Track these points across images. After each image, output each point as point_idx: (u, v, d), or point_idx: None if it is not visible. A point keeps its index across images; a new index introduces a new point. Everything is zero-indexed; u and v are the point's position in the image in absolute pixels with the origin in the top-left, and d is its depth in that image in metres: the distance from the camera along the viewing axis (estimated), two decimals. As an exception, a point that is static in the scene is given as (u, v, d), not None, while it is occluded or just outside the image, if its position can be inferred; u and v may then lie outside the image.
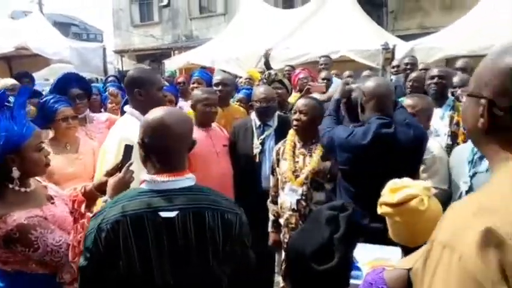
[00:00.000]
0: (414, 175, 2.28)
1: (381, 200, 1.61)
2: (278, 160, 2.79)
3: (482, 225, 0.75)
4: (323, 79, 4.86)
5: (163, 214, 1.36)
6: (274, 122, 3.19)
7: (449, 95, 3.34)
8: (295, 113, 2.66)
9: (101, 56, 7.70)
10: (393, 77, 5.38)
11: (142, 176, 1.47)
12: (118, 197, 1.46)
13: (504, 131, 0.87)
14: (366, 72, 5.28)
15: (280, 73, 5.36)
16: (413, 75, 4.05)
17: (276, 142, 2.98)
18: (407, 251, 1.55)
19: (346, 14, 8.73)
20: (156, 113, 1.49)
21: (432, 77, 3.46)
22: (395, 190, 1.59)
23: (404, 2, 15.56)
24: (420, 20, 15.00)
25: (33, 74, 6.10)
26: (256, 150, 3.10)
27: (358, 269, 1.92)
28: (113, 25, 19.93)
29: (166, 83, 3.92)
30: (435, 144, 2.65)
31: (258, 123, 3.19)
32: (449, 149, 2.81)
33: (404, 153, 2.24)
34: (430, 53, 6.49)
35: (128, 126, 2.25)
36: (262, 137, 3.13)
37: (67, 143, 2.85)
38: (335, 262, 1.41)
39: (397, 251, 1.70)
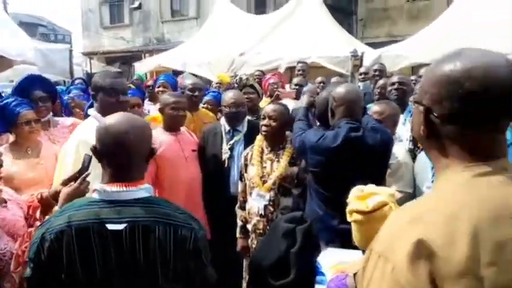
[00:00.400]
0: (382, 180, 2.36)
1: (352, 207, 1.61)
2: (246, 165, 2.79)
3: (414, 236, 0.76)
4: (296, 85, 4.88)
5: (110, 226, 1.30)
6: (243, 127, 3.19)
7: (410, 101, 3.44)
8: (263, 118, 2.66)
9: (67, 58, 7.50)
10: (360, 84, 5.48)
11: (94, 185, 1.41)
12: (66, 206, 1.40)
13: (442, 138, 0.88)
14: (334, 79, 5.35)
15: (251, 78, 5.37)
16: (381, 82, 4.13)
17: (245, 147, 2.97)
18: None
19: (317, 21, 8.87)
20: (111, 119, 1.42)
21: (393, 83, 3.56)
22: (363, 198, 1.60)
23: (372, 10, 15.97)
24: (388, 28, 15.44)
25: (-4, 75, 5.88)
26: (225, 156, 3.09)
27: (322, 274, 1.95)
28: (82, 26, 19.48)
29: (133, 86, 3.87)
30: (400, 150, 2.72)
31: (228, 128, 3.17)
32: (411, 153, 2.88)
33: (372, 157, 2.30)
34: (396, 60, 6.69)
35: (89, 130, 2.21)
36: (231, 142, 3.11)
37: (28, 148, 2.74)
38: (290, 278, 1.41)
39: (359, 253, 1.72)
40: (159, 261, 1.33)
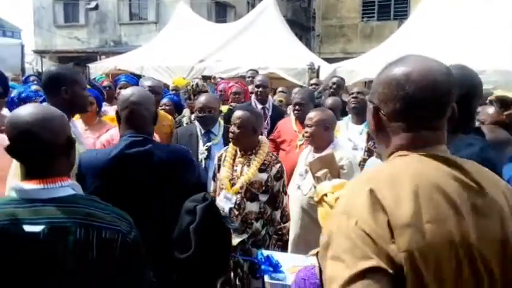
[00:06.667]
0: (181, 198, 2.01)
1: (336, 196, 1.71)
2: (219, 166, 2.78)
3: (367, 187, 0.89)
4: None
5: (27, 228, 1.18)
6: (219, 132, 3.23)
7: None
8: (231, 125, 2.68)
9: (19, 53, 7.22)
10: None
11: (11, 183, 1.32)
12: None
13: (387, 132, 1.01)
14: (296, 90, 5.49)
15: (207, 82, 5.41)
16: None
17: (224, 150, 3.00)
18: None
19: (276, 33, 9.10)
20: (16, 111, 1.30)
21: (352, 93, 3.77)
22: (339, 186, 1.73)
23: (329, 27, 16.59)
24: (343, 45, 16.09)
25: None
26: (201, 156, 3.11)
27: (282, 272, 2.06)
28: (33, 23, 18.70)
29: (87, 86, 3.78)
30: (346, 152, 2.87)
31: (203, 130, 3.22)
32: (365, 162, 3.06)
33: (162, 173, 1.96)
34: (351, 75, 7.01)
35: None
36: (208, 144, 3.15)
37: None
38: (190, 252, 1.53)
39: (309, 259, 1.83)
40: (82, 266, 1.21)
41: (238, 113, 2.69)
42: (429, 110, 0.96)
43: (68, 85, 2.25)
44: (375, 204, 0.86)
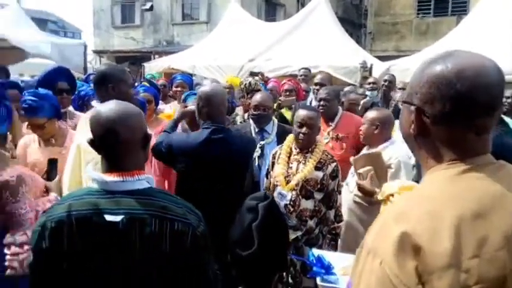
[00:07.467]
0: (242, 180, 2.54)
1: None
2: (273, 164, 2.79)
3: (398, 231, 0.80)
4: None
5: (108, 217, 1.27)
6: (273, 130, 3.25)
7: None
8: (301, 126, 2.62)
9: (82, 53, 7.62)
10: (368, 93, 5.56)
11: (92, 175, 1.37)
12: (68, 195, 1.41)
13: (431, 137, 0.90)
14: (347, 88, 5.42)
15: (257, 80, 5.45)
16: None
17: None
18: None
19: (327, 31, 8.98)
20: (100, 108, 1.39)
21: None
22: (408, 188, 1.72)
23: (381, 24, 16.15)
24: (396, 43, 15.60)
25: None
26: (255, 154, 3.12)
27: (334, 274, 2.05)
28: (93, 25, 19.70)
29: (147, 84, 3.93)
30: (399, 151, 2.77)
31: (257, 129, 3.27)
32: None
33: (233, 159, 2.36)
34: (405, 73, 6.77)
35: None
36: (262, 142, 3.17)
37: (53, 137, 2.80)
38: (254, 249, 1.57)
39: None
40: (154, 256, 1.29)
41: (307, 113, 2.64)
42: (482, 110, 0.85)
43: (114, 83, 2.39)
44: (405, 249, 0.78)
